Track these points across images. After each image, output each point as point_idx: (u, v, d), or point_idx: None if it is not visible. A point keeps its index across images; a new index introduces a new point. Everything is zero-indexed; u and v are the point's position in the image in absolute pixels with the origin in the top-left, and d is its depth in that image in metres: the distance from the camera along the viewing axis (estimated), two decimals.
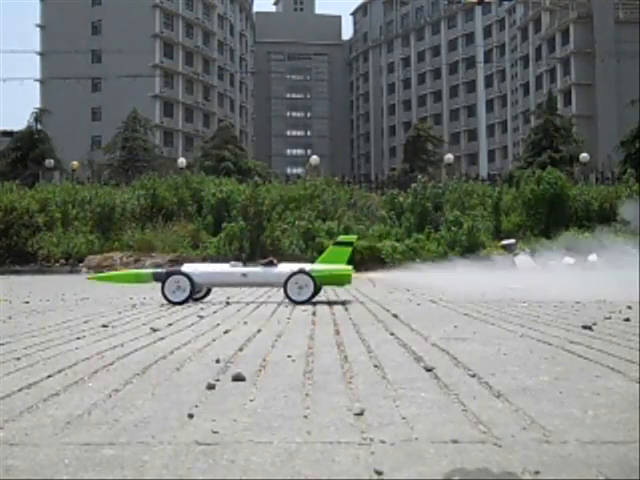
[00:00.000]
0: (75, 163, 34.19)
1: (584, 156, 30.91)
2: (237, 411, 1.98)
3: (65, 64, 61.60)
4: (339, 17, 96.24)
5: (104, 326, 4.44)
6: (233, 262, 7.60)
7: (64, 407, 2.05)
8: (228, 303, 5.28)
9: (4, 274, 18.70)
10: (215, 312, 5.58)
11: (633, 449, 1.58)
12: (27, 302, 7.38)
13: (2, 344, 3.54)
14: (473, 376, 2.48)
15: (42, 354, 3.16)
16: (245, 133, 78.40)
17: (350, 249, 7.51)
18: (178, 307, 6.16)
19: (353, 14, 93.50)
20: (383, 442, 1.64)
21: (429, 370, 2.60)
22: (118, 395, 2.22)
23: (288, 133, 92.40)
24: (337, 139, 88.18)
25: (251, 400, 2.12)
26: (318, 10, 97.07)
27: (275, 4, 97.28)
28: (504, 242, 23.09)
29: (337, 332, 3.98)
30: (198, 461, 1.52)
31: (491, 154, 72.03)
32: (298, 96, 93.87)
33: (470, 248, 22.05)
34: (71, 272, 21.78)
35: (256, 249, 21.95)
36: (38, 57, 68.01)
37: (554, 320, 4.59)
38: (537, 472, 1.42)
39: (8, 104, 75.02)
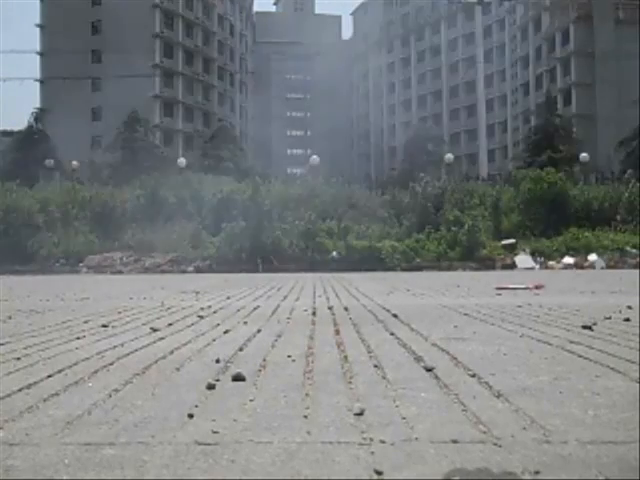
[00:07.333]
0: (75, 163, 34.20)
1: (584, 156, 30.93)
2: (237, 411, 1.98)
3: (65, 64, 61.55)
4: (339, 17, 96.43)
5: (104, 326, 4.44)
6: None
7: (64, 407, 2.06)
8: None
9: (4, 274, 18.69)
10: (215, 312, 5.58)
11: (633, 449, 1.58)
12: (27, 302, 7.38)
13: (2, 344, 3.55)
14: (473, 376, 2.48)
15: (42, 354, 3.17)
16: (245, 133, 78.38)
17: None
18: (178, 307, 6.17)
19: (353, 14, 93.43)
20: (383, 442, 1.64)
21: (429, 370, 2.60)
22: (118, 395, 2.22)
23: (288, 133, 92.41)
24: (337, 139, 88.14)
25: (251, 400, 2.12)
26: (318, 10, 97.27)
27: (275, 4, 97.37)
28: (504, 242, 23.11)
29: (337, 332, 3.98)
30: (198, 461, 1.52)
31: (491, 154, 72.01)
32: (298, 96, 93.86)
33: (470, 248, 22.08)
34: (71, 272, 21.78)
35: (256, 249, 21.94)
36: (38, 57, 67.98)
37: (554, 320, 4.59)
38: (537, 472, 1.42)
39: (8, 104, 75.29)
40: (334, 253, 22.01)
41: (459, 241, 22.27)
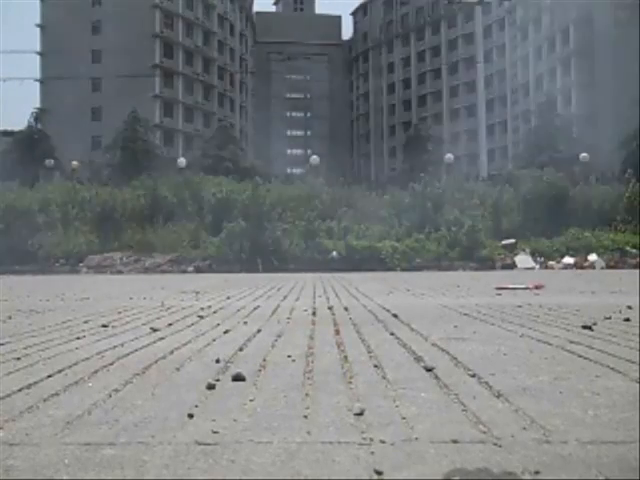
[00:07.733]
0: (75, 163, 34.18)
1: (584, 156, 30.88)
2: (237, 411, 1.98)
3: (65, 64, 61.55)
4: (339, 17, 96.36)
5: (104, 326, 4.44)
6: None
7: (64, 407, 2.06)
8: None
9: (4, 274, 18.69)
10: (215, 312, 5.58)
11: (633, 449, 1.58)
12: (27, 302, 7.38)
13: (2, 344, 3.55)
14: (473, 376, 2.48)
15: (42, 354, 3.17)
16: (245, 133, 78.39)
17: None
18: (178, 307, 6.17)
19: (353, 14, 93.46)
20: (383, 442, 1.64)
21: (429, 370, 2.60)
22: (118, 395, 2.22)
23: (288, 133, 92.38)
24: (337, 139, 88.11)
25: (251, 400, 2.12)
26: (318, 10, 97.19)
27: (275, 4, 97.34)
28: (504, 242, 23.10)
29: (337, 332, 3.98)
30: (198, 461, 1.52)
31: (491, 154, 71.96)
32: (298, 96, 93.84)
33: (470, 248, 22.07)
34: (71, 272, 21.78)
35: (256, 249, 21.94)
36: (38, 57, 67.98)
37: (554, 320, 4.59)
38: (537, 472, 1.42)
39: (8, 104, 75.35)
40: (334, 253, 22.00)
41: (459, 241, 22.26)
